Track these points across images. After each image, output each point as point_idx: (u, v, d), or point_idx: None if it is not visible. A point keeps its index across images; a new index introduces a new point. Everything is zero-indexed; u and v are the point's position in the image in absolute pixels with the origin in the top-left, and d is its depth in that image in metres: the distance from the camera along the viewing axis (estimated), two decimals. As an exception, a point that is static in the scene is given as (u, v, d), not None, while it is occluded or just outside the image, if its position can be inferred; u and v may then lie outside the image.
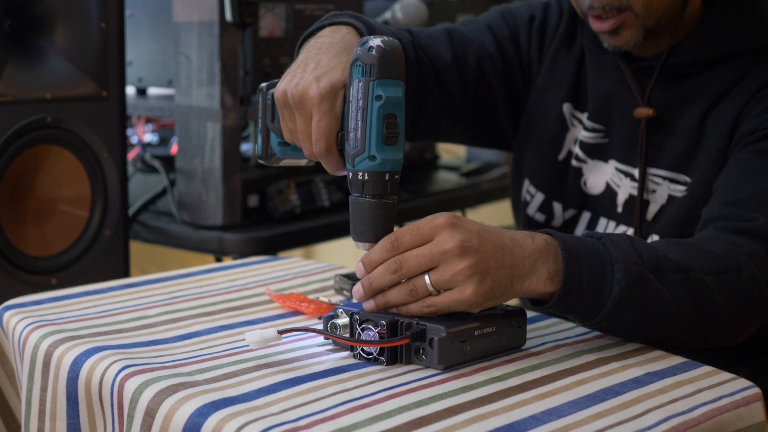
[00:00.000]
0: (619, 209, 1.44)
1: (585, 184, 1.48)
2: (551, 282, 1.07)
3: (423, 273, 1.04)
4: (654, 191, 1.40)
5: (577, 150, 1.49)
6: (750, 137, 1.31)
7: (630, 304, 1.10)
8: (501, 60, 1.52)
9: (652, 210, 1.40)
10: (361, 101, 1.06)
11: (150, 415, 0.95)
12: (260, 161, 1.26)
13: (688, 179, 1.37)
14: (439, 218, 1.04)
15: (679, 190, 1.38)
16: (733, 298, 1.17)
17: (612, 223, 1.45)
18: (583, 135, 1.48)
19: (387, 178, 1.07)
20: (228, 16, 1.90)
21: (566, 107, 1.51)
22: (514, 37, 1.54)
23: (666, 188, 1.39)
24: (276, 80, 1.21)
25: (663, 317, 1.13)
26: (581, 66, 1.50)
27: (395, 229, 1.09)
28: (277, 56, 2.00)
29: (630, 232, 1.42)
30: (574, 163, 1.49)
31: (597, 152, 1.47)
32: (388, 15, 2.17)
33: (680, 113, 1.39)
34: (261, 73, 1.98)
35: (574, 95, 1.50)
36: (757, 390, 1.03)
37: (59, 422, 1.08)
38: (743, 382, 1.05)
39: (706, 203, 1.31)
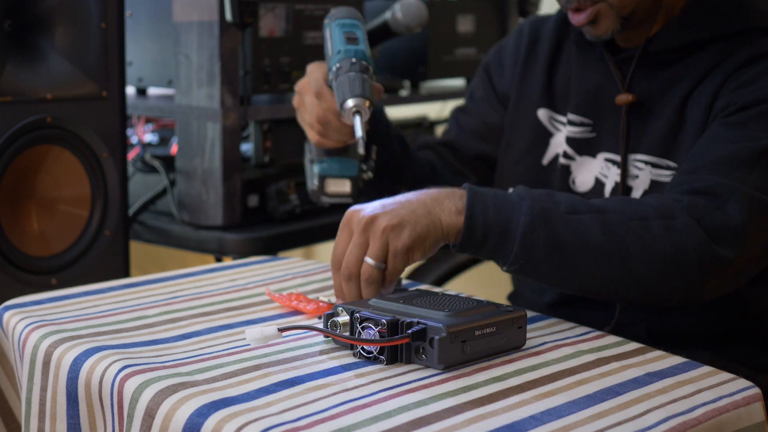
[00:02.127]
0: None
1: (573, 182, 1.49)
2: (459, 215, 1.17)
3: (362, 259, 1.16)
4: (636, 176, 1.42)
5: (565, 147, 1.50)
6: (723, 112, 1.33)
7: (539, 236, 1.16)
8: (493, 112, 1.63)
9: (635, 195, 1.41)
10: (327, 36, 1.37)
11: (150, 415, 0.95)
12: (315, 199, 1.43)
13: (672, 164, 1.39)
14: (345, 215, 1.19)
15: (663, 175, 1.39)
16: (660, 244, 1.19)
17: None
18: (570, 131, 1.50)
19: (354, 61, 1.31)
20: (228, 16, 1.90)
21: (542, 113, 1.55)
22: (486, 101, 1.65)
23: (648, 173, 1.41)
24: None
25: (575, 256, 1.18)
26: (552, 71, 1.55)
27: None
28: (277, 56, 2.00)
29: None
30: (562, 161, 1.50)
31: (585, 147, 1.48)
32: (388, 15, 2.17)
33: (661, 99, 1.42)
34: (261, 73, 1.98)
35: (548, 100, 1.55)
36: (756, 390, 1.04)
37: (59, 422, 1.08)
38: (743, 383, 1.05)
39: None
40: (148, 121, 2.28)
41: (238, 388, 0.98)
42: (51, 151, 1.82)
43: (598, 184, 1.46)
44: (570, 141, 1.50)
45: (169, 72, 2.04)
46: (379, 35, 2.21)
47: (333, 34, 1.35)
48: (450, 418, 0.92)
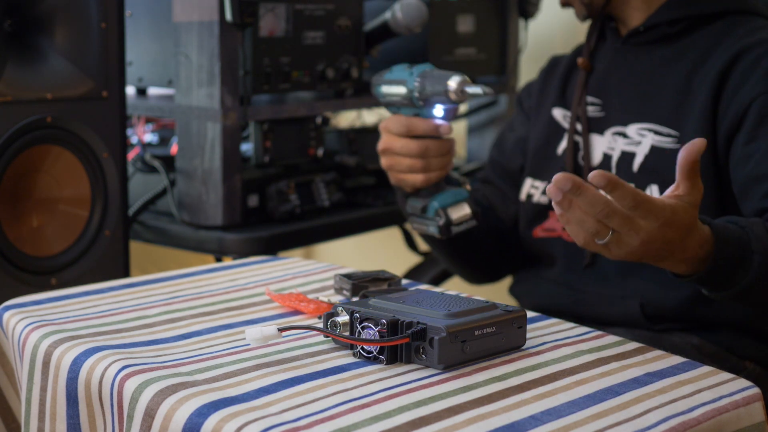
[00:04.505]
0: (613, 170, 1.53)
1: (582, 158, 1.58)
2: (701, 248, 1.22)
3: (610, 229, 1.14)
4: (639, 143, 1.52)
5: (576, 125, 1.60)
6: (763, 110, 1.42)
7: (760, 288, 1.27)
8: (527, 131, 1.75)
9: (638, 161, 1.51)
10: (384, 87, 1.47)
11: (150, 415, 0.95)
12: (445, 236, 1.45)
13: (674, 132, 1.49)
14: (665, 211, 1.15)
15: (666, 141, 1.49)
16: None
17: None
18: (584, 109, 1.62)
19: (431, 68, 1.42)
20: (228, 16, 1.90)
21: (557, 111, 1.66)
22: (522, 117, 1.77)
23: (650, 139, 1.51)
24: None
25: None
26: (567, 80, 1.68)
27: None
28: (277, 56, 2.00)
29: None
30: (575, 138, 1.60)
31: (594, 125, 1.59)
32: (388, 15, 2.17)
33: (667, 72, 1.53)
34: (261, 73, 1.98)
35: (562, 101, 1.66)
36: (756, 390, 1.04)
37: (59, 422, 1.08)
38: (743, 383, 1.05)
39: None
40: (148, 121, 2.28)
41: (238, 388, 0.98)
42: (51, 151, 1.82)
43: (606, 159, 1.55)
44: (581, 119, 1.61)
45: (169, 72, 2.04)
46: (379, 35, 2.21)
47: (392, 77, 1.44)
48: (450, 418, 0.92)
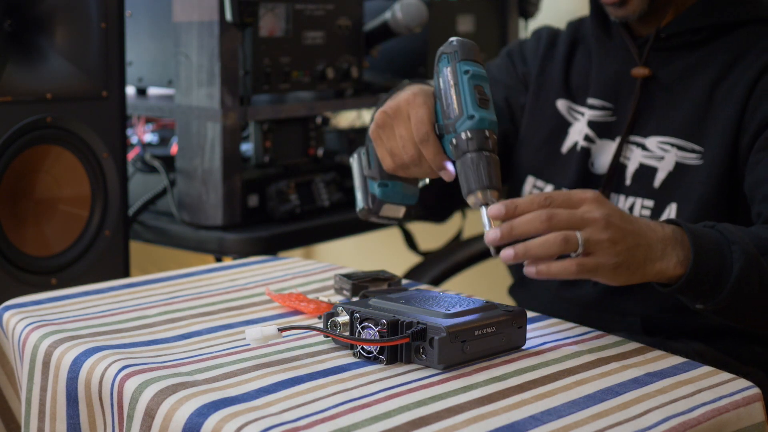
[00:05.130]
0: (628, 182, 1.48)
1: (592, 165, 1.54)
2: (681, 266, 1.16)
3: (572, 231, 1.09)
4: (662, 158, 1.46)
5: (587, 130, 1.55)
6: None
7: (748, 282, 1.18)
8: (516, 92, 1.66)
9: (660, 177, 1.45)
10: (451, 79, 1.18)
11: (150, 415, 0.95)
12: (363, 216, 1.34)
13: (698, 147, 1.43)
14: (588, 192, 1.13)
15: (690, 158, 1.44)
16: None
17: (621, 197, 1.49)
18: (591, 115, 1.55)
19: (487, 135, 1.15)
20: (228, 16, 1.90)
21: (561, 103, 1.60)
22: (503, 82, 1.67)
23: (674, 155, 1.45)
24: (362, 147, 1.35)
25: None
26: (569, 65, 1.61)
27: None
28: (277, 56, 2.00)
29: (638, 202, 1.47)
30: (582, 144, 1.55)
31: (605, 131, 1.53)
32: (388, 15, 2.17)
33: (688, 83, 1.47)
34: (261, 73, 1.98)
35: (566, 92, 1.60)
36: (756, 390, 1.04)
37: (59, 422, 1.08)
38: (743, 383, 1.05)
39: (722, 171, 1.40)
40: (148, 121, 2.28)
41: (238, 388, 0.98)
42: (51, 151, 1.82)
43: (618, 166, 1.50)
44: (591, 124, 1.55)
45: (169, 72, 2.04)
46: (379, 35, 2.21)
47: (461, 83, 1.17)
48: (450, 418, 0.92)
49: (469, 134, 1.14)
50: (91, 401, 1.05)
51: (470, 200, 1.14)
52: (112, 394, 1.01)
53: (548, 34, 1.67)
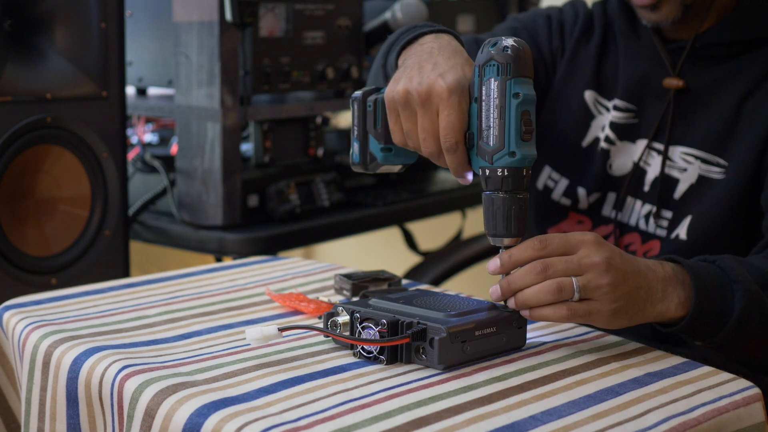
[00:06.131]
0: (646, 188, 1.47)
1: (611, 166, 1.51)
2: (682, 307, 1.14)
3: (569, 277, 1.08)
4: (685, 170, 1.44)
5: (608, 131, 1.52)
6: None
7: (749, 321, 1.16)
8: (541, 66, 1.59)
9: (681, 189, 1.44)
10: (497, 99, 1.08)
11: (150, 415, 0.95)
12: (356, 169, 1.25)
13: (723, 161, 1.41)
14: (587, 235, 1.10)
15: (713, 172, 1.41)
16: None
17: (638, 202, 1.48)
18: (614, 116, 1.52)
19: (524, 173, 1.09)
20: (228, 16, 1.90)
21: (588, 95, 1.55)
22: (533, 38, 1.59)
23: (697, 168, 1.43)
24: (372, 87, 1.23)
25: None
26: (602, 56, 1.55)
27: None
28: (277, 56, 2.00)
29: (656, 211, 1.45)
30: (603, 145, 1.52)
31: (627, 133, 1.51)
32: (388, 15, 2.17)
33: (716, 95, 1.44)
34: (261, 73, 1.98)
35: (596, 83, 1.55)
36: (756, 390, 1.04)
37: (59, 422, 1.08)
38: (743, 383, 1.05)
39: (744, 187, 1.38)
40: (148, 121, 2.28)
41: (238, 388, 0.98)
42: (51, 151, 1.82)
43: (637, 170, 1.48)
44: (613, 126, 1.52)
45: (169, 72, 2.04)
46: (379, 35, 2.21)
47: (508, 109, 1.08)
48: (450, 418, 0.92)
49: (506, 172, 1.08)
50: (91, 401, 1.05)
51: (492, 240, 1.12)
52: (112, 394, 1.01)
53: (585, 13, 1.59)
